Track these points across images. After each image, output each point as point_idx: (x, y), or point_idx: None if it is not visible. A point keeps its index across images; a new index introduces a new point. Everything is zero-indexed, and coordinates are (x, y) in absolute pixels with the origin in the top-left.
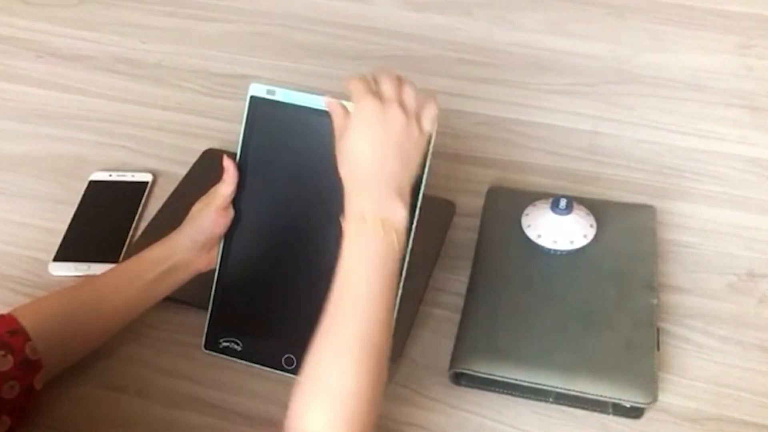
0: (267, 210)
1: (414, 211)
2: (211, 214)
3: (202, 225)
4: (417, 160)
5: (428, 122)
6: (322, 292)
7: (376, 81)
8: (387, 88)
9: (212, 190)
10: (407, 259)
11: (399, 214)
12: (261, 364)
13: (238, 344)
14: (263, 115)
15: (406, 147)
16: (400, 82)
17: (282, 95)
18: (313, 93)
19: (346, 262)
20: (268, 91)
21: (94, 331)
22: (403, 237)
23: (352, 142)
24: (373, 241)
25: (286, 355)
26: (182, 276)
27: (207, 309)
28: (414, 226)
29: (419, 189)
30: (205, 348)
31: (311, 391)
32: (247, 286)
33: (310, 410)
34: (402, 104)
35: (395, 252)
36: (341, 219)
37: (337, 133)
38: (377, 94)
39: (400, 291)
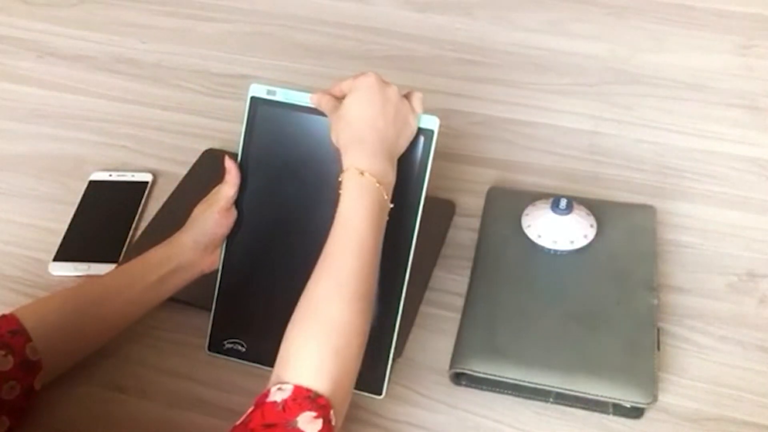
0: (269, 210)
1: (415, 211)
2: (214, 215)
3: (204, 226)
4: (410, 132)
5: (418, 103)
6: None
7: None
8: (387, 80)
9: (214, 191)
10: (410, 259)
11: (389, 176)
12: (266, 365)
13: (242, 345)
14: (264, 115)
15: (402, 115)
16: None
17: (282, 96)
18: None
19: (345, 209)
20: (269, 92)
21: (96, 332)
22: (390, 195)
23: (352, 107)
24: (369, 192)
25: None
26: (185, 277)
27: (208, 309)
28: (418, 218)
29: (420, 190)
30: (209, 350)
31: (307, 326)
32: (250, 286)
33: (307, 343)
34: (399, 91)
35: (386, 205)
36: (338, 173)
37: (331, 116)
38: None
39: (404, 292)
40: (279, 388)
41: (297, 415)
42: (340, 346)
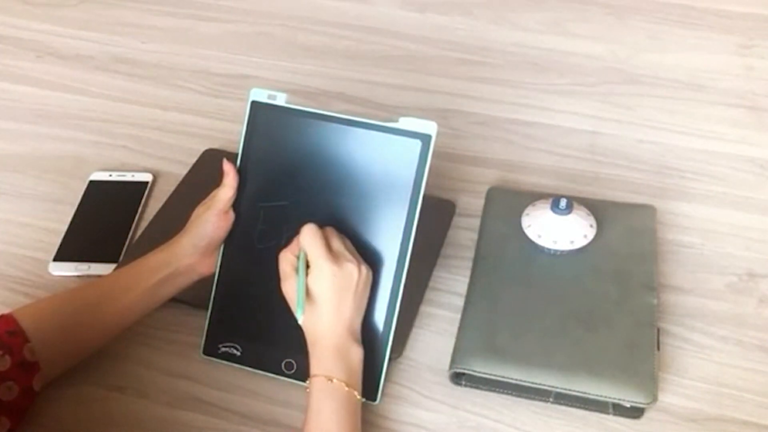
0: (267, 214)
1: (412, 216)
2: (212, 218)
3: (203, 230)
4: (367, 296)
5: (366, 266)
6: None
7: (326, 237)
8: (336, 244)
9: (213, 194)
10: (408, 259)
11: (356, 354)
12: (261, 369)
13: (237, 349)
14: (264, 119)
15: (360, 293)
16: (342, 238)
17: (283, 100)
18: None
19: (316, 414)
20: (269, 96)
21: (94, 334)
22: (360, 371)
23: (315, 308)
24: (339, 394)
25: (285, 360)
26: (184, 281)
27: (206, 310)
28: (414, 226)
29: (417, 195)
30: (204, 354)
31: None
32: (247, 290)
33: None
34: (350, 256)
35: (357, 401)
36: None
37: (288, 281)
38: (331, 253)
39: (400, 292)
40: None
41: None
42: None
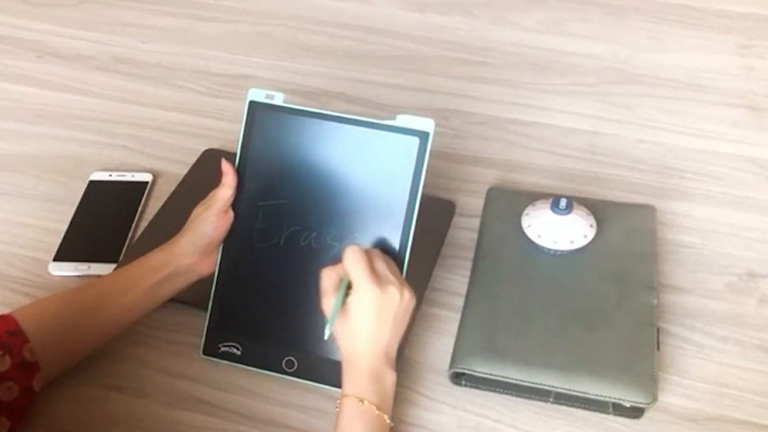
0: (265, 214)
1: (411, 215)
2: (212, 218)
3: (202, 229)
4: (407, 321)
5: (409, 291)
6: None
7: (369, 258)
8: (380, 266)
9: (212, 194)
10: (407, 259)
11: (390, 378)
12: (261, 368)
13: (237, 348)
14: (262, 119)
15: (400, 317)
16: (386, 260)
17: (280, 100)
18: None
19: (345, 430)
20: (267, 96)
21: (94, 334)
22: (392, 397)
23: (354, 328)
24: (370, 417)
25: (286, 358)
26: (183, 281)
27: (206, 309)
28: (413, 223)
29: (416, 194)
30: (204, 353)
31: None
32: (246, 289)
33: None
34: (394, 279)
35: (386, 419)
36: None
37: (328, 297)
38: (374, 275)
39: None
40: None
41: None
42: None
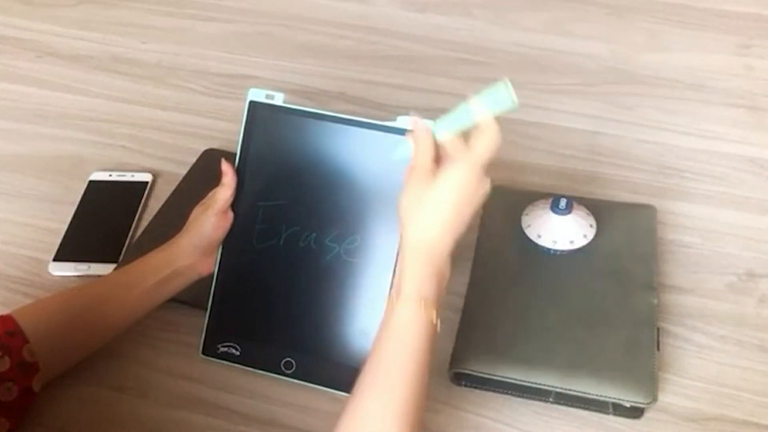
0: (265, 214)
1: None
2: (211, 218)
3: (202, 230)
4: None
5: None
6: (320, 296)
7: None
8: (483, 148)
9: (211, 194)
10: None
11: (446, 280)
12: (260, 369)
13: (236, 349)
14: (262, 119)
15: (475, 211)
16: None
17: (280, 100)
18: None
19: (398, 339)
20: (267, 96)
21: (94, 334)
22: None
23: (436, 202)
24: (427, 327)
25: (285, 359)
26: (183, 281)
27: (206, 309)
28: None
29: None
30: (203, 354)
31: None
32: (246, 290)
33: None
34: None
35: (436, 332)
36: (392, 289)
37: (417, 162)
38: (472, 155)
39: None
40: None
41: None
42: None
